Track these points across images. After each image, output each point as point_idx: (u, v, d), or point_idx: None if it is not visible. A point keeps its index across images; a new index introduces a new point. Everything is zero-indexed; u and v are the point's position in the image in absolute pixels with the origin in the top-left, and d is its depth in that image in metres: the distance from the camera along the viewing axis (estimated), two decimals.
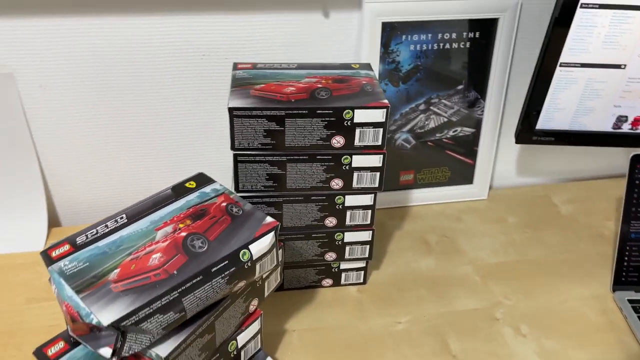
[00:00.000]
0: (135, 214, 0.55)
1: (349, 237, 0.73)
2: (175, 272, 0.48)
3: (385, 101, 0.64)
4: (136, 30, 0.77)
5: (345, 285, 0.79)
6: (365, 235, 0.73)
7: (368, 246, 0.74)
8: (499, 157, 1.02)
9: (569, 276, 0.83)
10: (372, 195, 0.69)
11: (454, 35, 0.85)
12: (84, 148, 0.85)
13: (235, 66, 0.71)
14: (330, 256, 0.74)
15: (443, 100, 0.90)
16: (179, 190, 0.59)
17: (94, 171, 0.87)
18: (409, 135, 0.92)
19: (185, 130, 0.87)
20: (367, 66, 0.73)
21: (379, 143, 0.65)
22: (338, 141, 0.65)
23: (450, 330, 0.73)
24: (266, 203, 0.68)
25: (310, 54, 0.84)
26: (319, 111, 0.62)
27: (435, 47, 0.85)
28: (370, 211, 0.71)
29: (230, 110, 0.61)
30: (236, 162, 0.65)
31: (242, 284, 0.53)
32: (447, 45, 0.85)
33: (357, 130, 0.64)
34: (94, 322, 0.44)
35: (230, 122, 0.62)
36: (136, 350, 0.46)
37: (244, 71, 0.70)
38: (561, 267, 0.85)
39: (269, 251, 0.54)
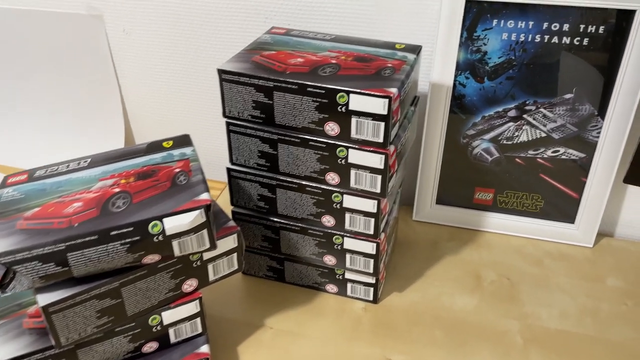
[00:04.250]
0: (98, 160, 0.55)
1: (350, 244, 0.62)
2: (77, 224, 0.46)
3: (392, 90, 0.51)
4: None
5: (353, 298, 0.68)
6: (368, 247, 0.62)
7: (372, 260, 0.62)
8: (629, 198, 0.77)
9: None
10: (375, 201, 0.58)
11: (565, 27, 0.65)
12: (156, 86, 0.89)
13: (270, 30, 0.65)
14: (330, 260, 0.65)
15: (542, 110, 0.71)
16: (153, 147, 0.56)
17: (163, 105, 0.91)
18: (491, 145, 0.75)
19: None
20: (414, 49, 0.60)
21: (380, 140, 0.53)
22: (332, 128, 0.55)
23: None
24: (260, 183, 0.62)
25: (378, 30, 0.73)
26: (309, 89, 0.53)
27: (538, 39, 0.66)
28: (373, 220, 0.59)
29: (219, 72, 0.56)
30: (228, 131, 0.59)
31: (154, 257, 0.49)
32: (555, 39, 0.66)
33: (354, 120, 0.53)
34: None
35: (220, 86, 0.56)
36: (17, 291, 0.46)
37: (272, 35, 0.63)
38: None
39: (193, 230, 0.49)
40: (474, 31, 0.68)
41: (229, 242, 0.54)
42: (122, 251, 0.47)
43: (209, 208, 0.49)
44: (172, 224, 0.47)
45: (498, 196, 0.78)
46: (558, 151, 0.73)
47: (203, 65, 0.83)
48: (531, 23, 0.66)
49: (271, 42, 0.61)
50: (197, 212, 0.48)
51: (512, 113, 0.72)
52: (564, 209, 0.76)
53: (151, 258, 0.49)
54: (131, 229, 0.46)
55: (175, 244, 0.49)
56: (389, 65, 0.56)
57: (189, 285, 0.53)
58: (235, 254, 0.56)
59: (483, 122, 0.73)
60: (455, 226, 0.81)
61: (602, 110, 0.68)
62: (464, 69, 0.70)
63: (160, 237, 0.48)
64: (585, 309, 0.68)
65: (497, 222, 0.79)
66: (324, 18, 0.74)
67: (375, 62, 0.56)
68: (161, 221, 0.47)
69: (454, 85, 0.72)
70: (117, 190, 0.50)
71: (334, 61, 0.56)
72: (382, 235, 0.61)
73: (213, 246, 0.51)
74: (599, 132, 0.70)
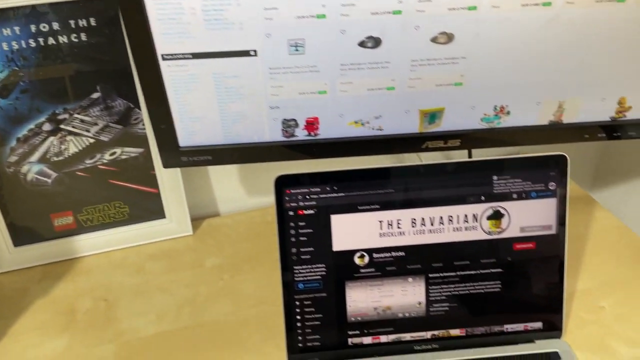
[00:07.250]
0: None
1: None
2: None
3: None
4: None
5: None
6: None
7: None
8: (215, 176, 0.79)
9: (244, 345, 0.60)
10: None
11: (56, 26, 0.60)
12: None
13: None
14: None
15: (77, 115, 0.66)
16: None
17: None
18: (44, 166, 0.67)
19: None
20: None
21: None
22: None
23: None
24: None
25: None
26: None
27: (33, 44, 0.60)
28: None
29: None
30: None
31: None
32: (52, 40, 0.61)
33: None
34: None
35: None
36: None
37: None
38: (240, 331, 0.62)
39: None
40: None
41: None
42: None
43: None
44: None
45: (79, 216, 0.71)
46: (115, 152, 0.69)
47: None
48: (17, 28, 0.59)
49: None
50: None
51: (46, 127, 0.65)
52: (151, 207, 0.74)
53: None
54: None
55: None
56: None
57: None
58: None
59: (21, 144, 0.65)
60: (47, 263, 0.72)
61: (135, 102, 0.67)
62: None
63: None
64: (184, 300, 0.66)
65: (91, 243, 0.72)
66: None
67: None
68: None
69: None
70: None
71: None
72: None
73: None
74: (143, 124, 0.68)
